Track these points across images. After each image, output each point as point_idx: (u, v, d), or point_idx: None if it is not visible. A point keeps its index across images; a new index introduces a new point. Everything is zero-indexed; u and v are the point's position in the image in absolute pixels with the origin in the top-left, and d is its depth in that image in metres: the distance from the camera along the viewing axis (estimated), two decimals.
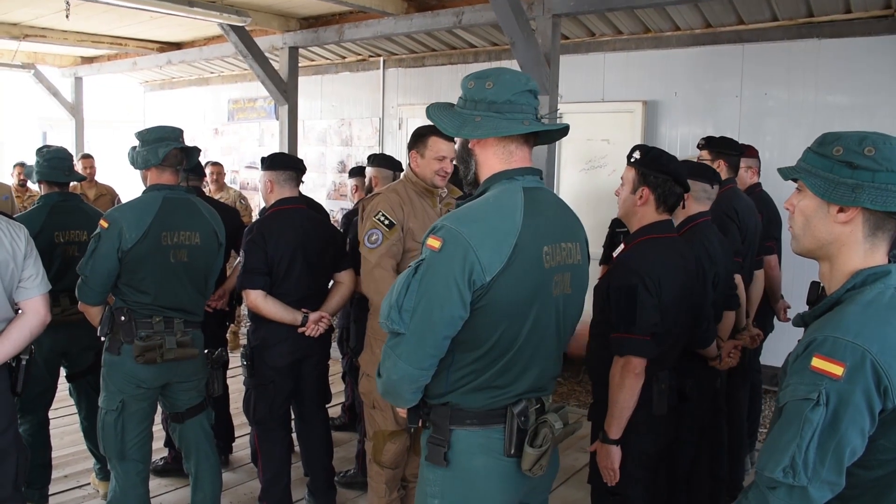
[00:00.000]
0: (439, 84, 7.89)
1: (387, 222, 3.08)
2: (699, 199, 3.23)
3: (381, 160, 4.56)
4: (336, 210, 8.47)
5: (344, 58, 8.67)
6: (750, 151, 4.58)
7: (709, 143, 4.15)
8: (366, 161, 4.78)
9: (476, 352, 1.84)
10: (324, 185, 8.92)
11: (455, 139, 2.17)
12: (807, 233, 1.56)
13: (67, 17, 6.10)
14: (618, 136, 6.47)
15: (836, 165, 1.48)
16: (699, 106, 6.23)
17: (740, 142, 4.58)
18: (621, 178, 2.77)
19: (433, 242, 1.78)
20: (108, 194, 7.76)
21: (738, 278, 3.69)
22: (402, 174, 3.66)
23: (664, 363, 2.65)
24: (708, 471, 3.43)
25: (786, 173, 1.60)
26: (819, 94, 5.69)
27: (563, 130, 1.99)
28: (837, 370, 1.37)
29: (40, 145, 4.15)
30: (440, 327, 1.77)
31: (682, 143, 6.27)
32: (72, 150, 8.27)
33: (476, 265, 1.73)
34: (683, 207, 3.06)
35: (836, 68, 5.60)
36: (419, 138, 3.21)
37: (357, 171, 5.25)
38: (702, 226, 3.22)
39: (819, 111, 5.69)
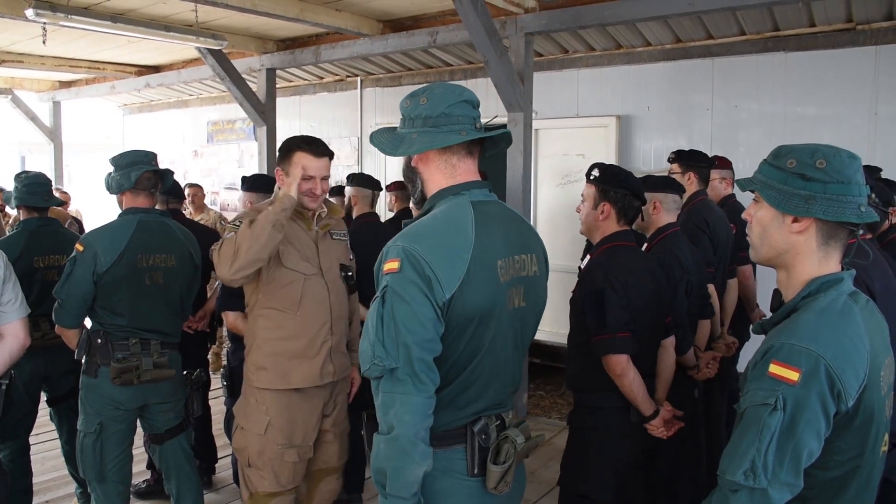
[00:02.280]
0: None
1: (239, 223, 2.86)
2: (669, 210, 3.32)
3: (360, 179, 4.60)
4: None
5: (322, 78, 8.74)
6: (723, 163, 4.68)
7: (679, 157, 4.24)
8: (345, 180, 4.83)
9: (440, 369, 1.77)
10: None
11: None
12: (764, 242, 1.61)
13: (44, 42, 6.10)
14: (593, 150, 6.56)
15: (790, 177, 1.53)
16: (672, 119, 6.34)
17: (713, 154, 4.68)
18: (581, 195, 2.90)
19: (391, 265, 1.74)
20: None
21: (711, 288, 3.77)
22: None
23: (639, 370, 2.71)
24: (689, 478, 3.49)
25: (743, 184, 1.65)
26: (788, 105, 5.81)
27: (505, 137, 1.96)
28: (793, 376, 1.42)
29: (19, 171, 4.16)
30: (429, 345, 1.71)
31: (655, 156, 6.37)
32: (50, 174, 8.26)
33: (434, 282, 1.70)
34: (643, 220, 3.16)
35: (802, 80, 5.72)
36: (284, 154, 2.91)
37: (336, 191, 5.30)
38: (671, 236, 3.31)
39: (788, 122, 5.80)
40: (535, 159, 6.68)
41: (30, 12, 4.95)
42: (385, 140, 1.93)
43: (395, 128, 1.96)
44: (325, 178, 2.94)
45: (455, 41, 5.87)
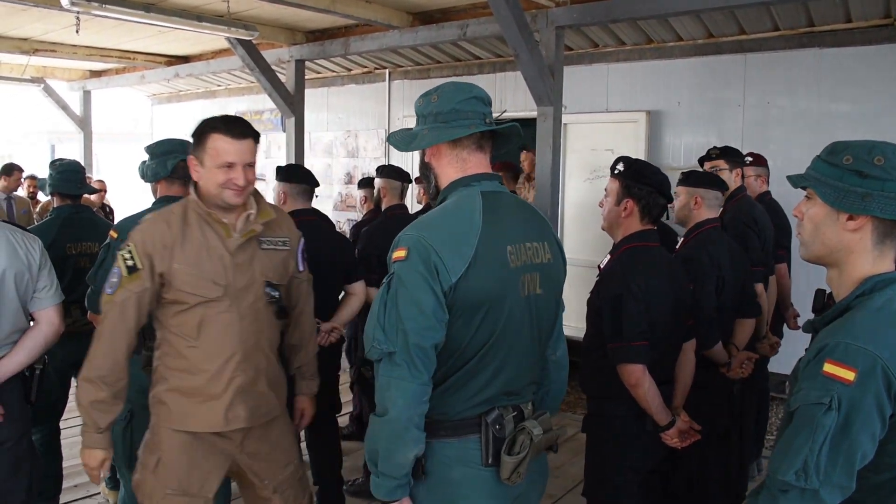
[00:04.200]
0: None
1: (130, 263, 2.33)
2: (710, 207, 3.31)
3: (390, 171, 4.61)
4: (343, 221, 8.53)
5: (350, 70, 8.75)
6: (758, 159, 4.64)
7: (725, 153, 4.17)
8: (374, 172, 4.83)
9: (451, 355, 1.82)
10: (330, 197, 8.98)
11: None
12: (816, 240, 1.57)
13: (77, 31, 6.18)
14: (622, 145, 6.51)
15: (846, 174, 1.50)
16: (702, 115, 6.28)
17: (745, 150, 4.63)
18: (605, 189, 2.78)
19: (399, 253, 1.79)
20: None
21: (759, 287, 3.72)
22: None
23: (656, 377, 2.64)
24: (717, 478, 3.44)
25: (795, 181, 1.62)
26: (821, 102, 5.73)
27: (514, 131, 1.99)
28: (849, 375, 1.39)
29: (53, 159, 4.22)
30: (428, 333, 1.75)
31: (685, 152, 6.31)
32: (80, 162, 8.36)
33: (441, 266, 1.75)
34: (667, 218, 3.08)
35: (837, 77, 5.64)
36: (197, 139, 2.40)
37: (366, 183, 5.32)
38: (709, 231, 3.27)
39: (821, 119, 5.73)
40: (563, 154, 6.65)
41: (65, 1, 5.00)
42: (399, 138, 1.99)
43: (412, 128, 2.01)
44: (250, 165, 2.38)
45: (485, 34, 5.86)
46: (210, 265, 2.37)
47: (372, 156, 8.57)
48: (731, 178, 4.02)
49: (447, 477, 1.85)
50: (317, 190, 3.93)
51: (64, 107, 10.62)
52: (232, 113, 10.07)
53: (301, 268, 2.67)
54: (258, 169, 5.18)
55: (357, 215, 5.56)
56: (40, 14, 6.47)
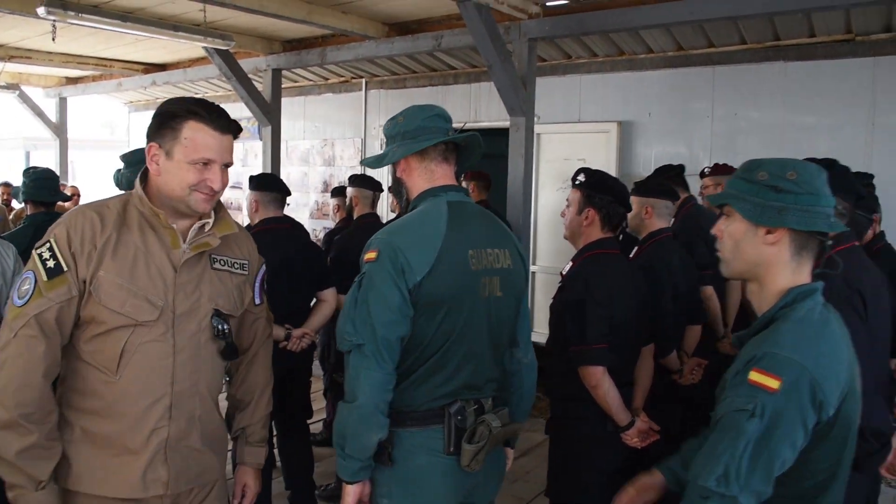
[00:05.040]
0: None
1: (51, 263, 1.82)
2: (661, 216, 3.40)
3: (362, 181, 4.67)
4: (318, 229, 8.56)
5: (327, 79, 8.81)
6: (723, 169, 4.78)
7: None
8: (347, 181, 4.89)
9: (415, 349, 1.98)
10: (307, 205, 9.01)
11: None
12: (737, 256, 1.63)
13: (54, 39, 6.19)
14: (594, 156, 6.62)
15: (762, 190, 1.57)
16: (672, 126, 6.40)
17: (713, 161, 4.75)
18: (566, 199, 2.91)
19: (370, 255, 1.97)
20: None
21: (708, 290, 3.82)
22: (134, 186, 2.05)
23: (618, 379, 2.73)
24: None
25: (714, 199, 1.68)
26: (787, 114, 5.87)
27: (474, 141, 2.18)
28: (774, 384, 1.43)
29: (28, 166, 4.24)
30: (394, 327, 1.91)
31: (656, 162, 6.40)
32: (55, 169, 8.34)
33: (407, 266, 1.91)
34: (626, 227, 3.19)
35: (802, 90, 5.78)
36: (166, 121, 1.91)
37: (339, 191, 5.38)
38: (664, 241, 3.37)
39: (787, 131, 5.86)
40: (536, 163, 6.75)
41: (41, 10, 5.02)
42: (372, 158, 2.21)
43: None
44: (227, 165, 1.97)
45: (459, 45, 5.94)
46: (147, 279, 1.88)
47: (348, 164, 8.62)
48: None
49: (412, 463, 2.00)
50: (293, 198, 3.98)
51: (39, 113, 10.57)
52: None
53: (258, 300, 2.23)
54: (234, 177, 5.02)
55: (331, 223, 5.61)
56: (16, 21, 6.45)
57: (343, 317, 1.98)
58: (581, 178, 2.83)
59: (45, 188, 3.97)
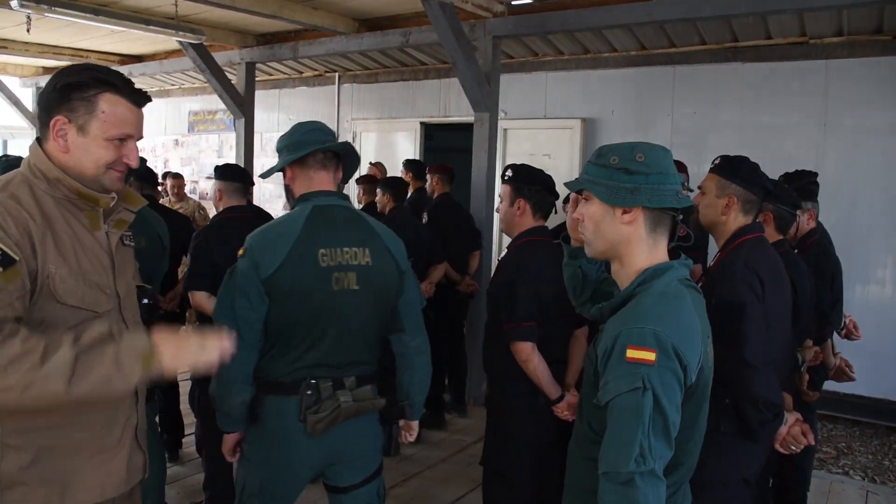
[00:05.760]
0: (391, 99, 8.18)
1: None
2: None
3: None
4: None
5: (301, 73, 8.92)
6: (679, 167, 4.93)
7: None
8: None
9: (272, 330, 2.29)
10: (280, 196, 9.10)
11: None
12: (598, 237, 1.72)
13: (28, 30, 6.26)
14: (559, 151, 6.80)
15: (615, 173, 1.66)
16: (634, 124, 6.58)
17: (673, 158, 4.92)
18: (499, 195, 3.07)
19: (240, 252, 2.29)
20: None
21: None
22: (24, 163, 1.77)
23: (548, 355, 2.89)
24: None
25: (572, 186, 1.79)
26: (743, 113, 6.08)
27: (345, 146, 2.47)
28: (650, 356, 1.52)
29: (1, 154, 4.34)
30: (248, 312, 2.24)
31: None
32: None
33: (260, 263, 2.23)
34: (556, 213, 3.40)
35: (758, 90, 5.99)
36: (76, 91, 1.70)
37: None
38: None
39: (744, 130, 6.06)
40: (503, 158, 6.91)
41: (14, 2, 5.11)
42: (265, 171, 2.54)
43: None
44: (139, 139, 1.80)
45: (427, 41, 6.09)
46: (90, 266, 1.73)
47: None
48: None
49: (273, 424, 2.33)
50: (267, 189, 4.10)
51: (16, 102, 10.60)
52: (185, 112, 10.28)
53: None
54: (211, 169, 4.89)
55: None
56: None
57: (216, 304, 2.33)
58: (509, 173, 3.00)
59: None
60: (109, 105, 1.70)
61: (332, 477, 2.46)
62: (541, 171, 3.03)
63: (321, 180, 2.39)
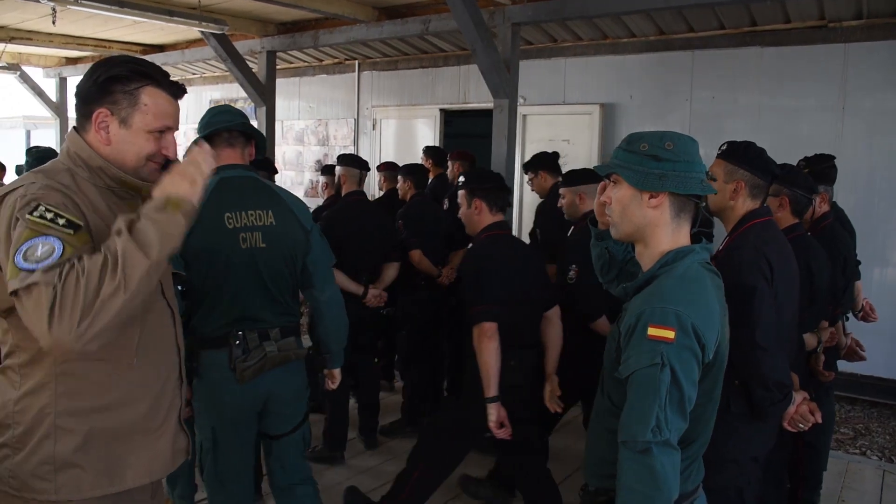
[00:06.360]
0: (411, 86, 8.25)
1: (63, 220, 1.58)
2: (594, 199, 3.68)
3: (349, 160, 4.87)
4: (312, 206, 8.78)
5: (321, 61, 9.00)
6: None
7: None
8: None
9: (195, 290, 2.57)
10: (301, 184, 9.24)
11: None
12: (624, 219, 1.81)
13: (54, 22, 6.38)
14: (578, 136, 6.85)
15: (645, 159, 1.74)
16: (653, 108, 6.62)
17: None
18: (458, 201, 3.30)
19: None
20: None
21: None
22: (63, 152, 1.82)
23: (514, 342, 3.07)
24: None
25: (602, 170, 1.86)
26: (762, 97, 6.09)
27: (245, 126, 2.74)
28: (670, 334, 1.61)
29: (29, 146, 4.46)
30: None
31: None
32: (56, 148, 8.54)
33: None
34: (510, 206, 3.65)
35: (776, 74, 6.01)
36: (119, 86, 1.74)
37: (328, 170, 5.58)
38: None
39: (762, 113, 6.09)
40: (523, 144, 6.98)
41: None
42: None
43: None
44: (176, 131, 1.87)
45: (447, 29, 6.14)
46: None
47: (342, 144, 8.84)
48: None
49: (210, 376, 2.62)
50: (288, 177, 4.24)
51: (40, 93, 10.73)
52: (206, 101, 10.38)
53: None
54: None
55: (320, 200, 5.84)
56: (15, 4, 6.64)
57: None
58: (462, 179, 3.29)
59: None
60: (151, 98, 1.75)
61: (266, 427, 2.80)
62: (491, 172, 3.39)
63: (228, 156, 2.71)
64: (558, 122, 7.05)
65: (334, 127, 8.98)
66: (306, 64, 9.19)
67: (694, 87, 6.40)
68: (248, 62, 7.63)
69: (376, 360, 4.86)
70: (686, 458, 1.73)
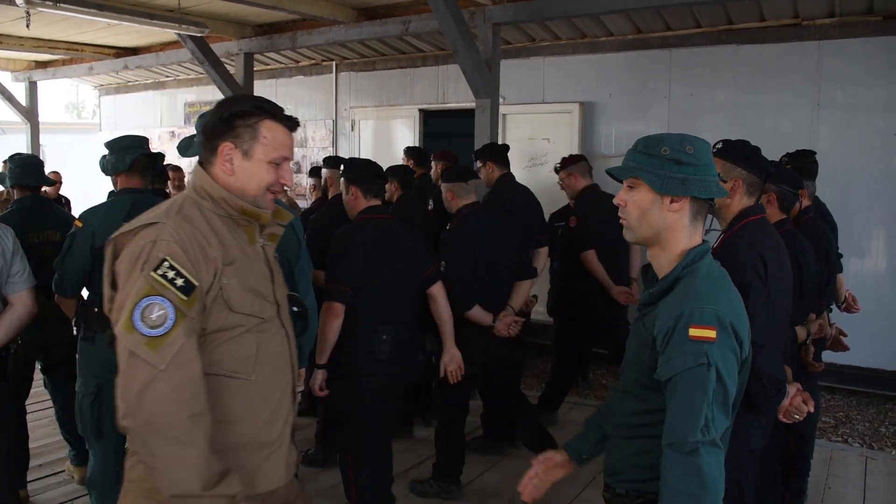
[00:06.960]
0: (389, 87, 8.24)
1: (181, 282, 1.71)
2: (464, 195, 4.00)
3: (336, 162, 4.87)
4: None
5: (298, 62, 8.97)
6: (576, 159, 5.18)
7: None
8: (321, 162, 5.09)
9: None
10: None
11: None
12: (643, 223, 1.79)
13: (28, 26, 6.28)
14: (557, 135, 6.91)
15: (666, 163, 1.73)
16: (631, 106, 6.70)
17: None
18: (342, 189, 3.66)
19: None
20: None
21: (542, 252, 4.61)
22: (190, 186, 1.96)
23: (386, 317, 3.39)
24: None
25: (619, 172, 1.83)
26: (739, 94, 6.19)
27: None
28: (712, 333, 1.64)
29: (12, 153, 4.40)
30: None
31: (616, 141, 6.73)
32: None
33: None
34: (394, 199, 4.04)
35: (753, 71, 6.11)
36: (240, 121, 1.87)
37: (315, 172, 5.58)
38: (467, 214, 3.99)
39: (739, 110, 6.19)
40: (502, 143, 7.00)
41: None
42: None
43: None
44: (291, 161, 1.98)
45: (427, 29, 6.17)
46: (254, 277, 1.90)
47: (320, 146, 8.82)
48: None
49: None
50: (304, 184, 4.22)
51: (9, 98, 10.55)
52: (181, 104, 10.29)
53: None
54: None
55: (306, 203, 5.83)
56: None
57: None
58: (341, 167, 3.60)
59: (31, 173, 4.13)
60: (270, 131, 1.87)
61: None
62: (366, 161, 3.68)
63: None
64: (538, 120, 7.10)
65: (312, 129, 8.95)
66: (283, 65, 9.15)
67: (672, 84, 6.48)
68: (224, 64, 7.57)
69: None
70: None
